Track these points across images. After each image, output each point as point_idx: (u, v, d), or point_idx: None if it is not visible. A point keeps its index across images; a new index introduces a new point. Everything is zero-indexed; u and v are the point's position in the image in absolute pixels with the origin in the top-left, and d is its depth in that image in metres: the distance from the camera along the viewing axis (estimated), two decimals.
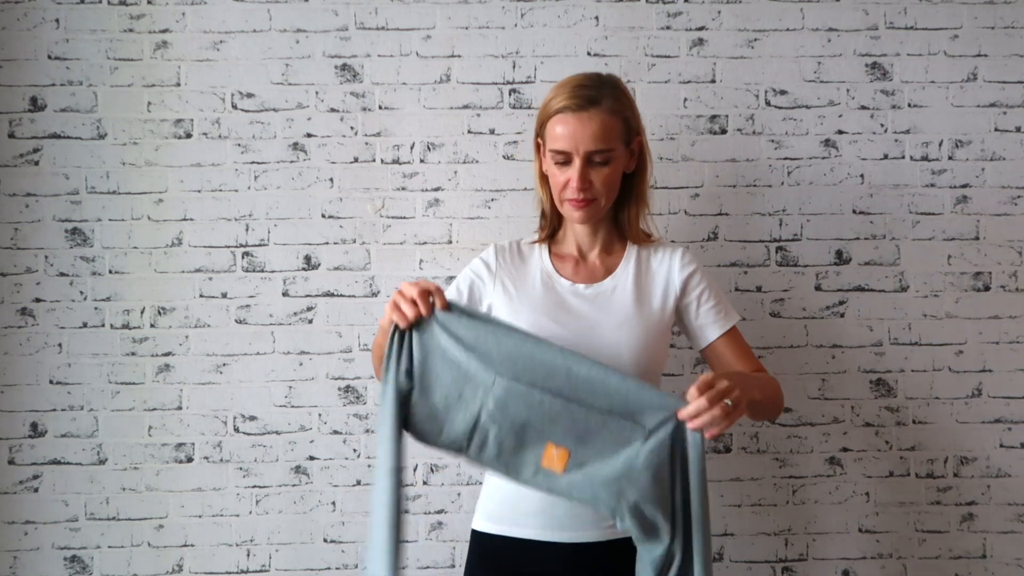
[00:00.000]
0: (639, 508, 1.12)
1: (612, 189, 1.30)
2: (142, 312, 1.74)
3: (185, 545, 1.73)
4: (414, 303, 1.14)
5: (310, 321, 1.75)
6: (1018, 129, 1.77)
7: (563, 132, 1.25)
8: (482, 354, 1.14)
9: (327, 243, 1.75)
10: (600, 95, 1.26)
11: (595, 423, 1.13)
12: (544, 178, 1.35)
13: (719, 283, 1.50)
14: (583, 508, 1.24)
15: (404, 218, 1.76)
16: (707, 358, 1.38)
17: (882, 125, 1.77)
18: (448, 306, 1.16)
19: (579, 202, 1.27)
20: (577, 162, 1.25)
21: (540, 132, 1.32)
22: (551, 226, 1.40)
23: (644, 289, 1.34)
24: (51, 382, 1.73)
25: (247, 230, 1.75)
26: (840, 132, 1.77)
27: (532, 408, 1.14)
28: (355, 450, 1.75)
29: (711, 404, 1.07)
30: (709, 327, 1.35)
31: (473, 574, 1.34)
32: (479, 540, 1.34)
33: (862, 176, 1.77)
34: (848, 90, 1.77)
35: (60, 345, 1.73)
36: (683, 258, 1.37)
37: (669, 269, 1.36)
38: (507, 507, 1.29)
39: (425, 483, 1.75)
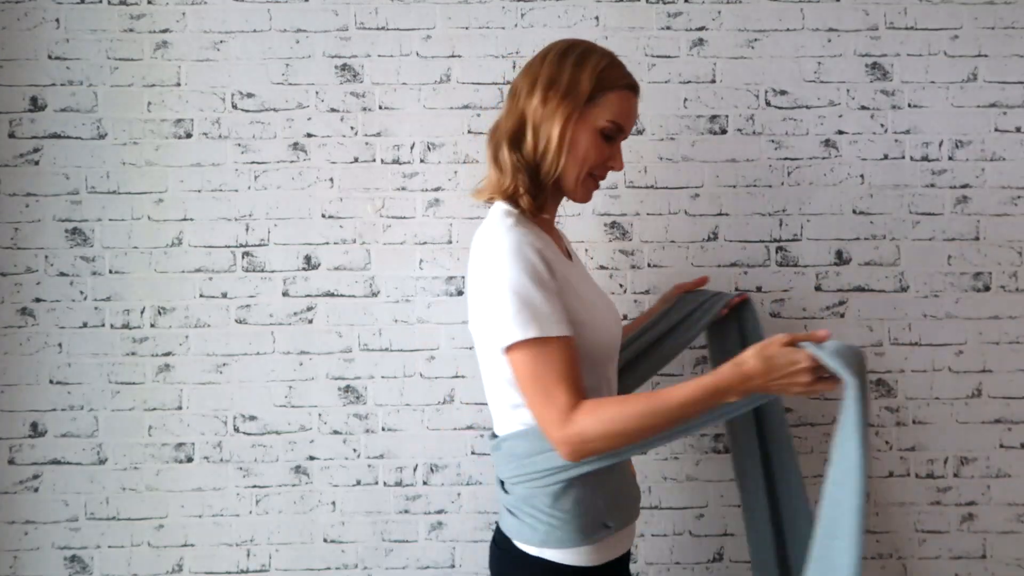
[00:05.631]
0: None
1: None
2: (142, 312, 1.74)
3: (185, 545, 1.74)
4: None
5: (310, 321, 1.75)
6: (1018, 129, 1.77)
7: (626, 110, 1.20)
8: None
9: (327, 243, 1.75)
10: None
11: None
12: (568, 143, 1.16)
13: None
14: None
15: (404, 218, 1.76)
16: None
17: (882, 125, 1.77)
18: None
19: (598, 182, 1.24)
20: (619, 142, 1.23)
21: (593, 96, 1.16)
22: (538, 197, 1.20)
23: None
24: (51, 382, 1.73)
25: (247, 230, 1.75)
26: (840, 132, 1.77)
27: None
28: (355, 450, 1.75)
29: None
30: None
31: None
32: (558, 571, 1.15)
33: (862, 176, 1.77)
34: (848, 90, 1.77)
35: (60, 345, 1.73)
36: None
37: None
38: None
39: (425, 483, 1.75)
